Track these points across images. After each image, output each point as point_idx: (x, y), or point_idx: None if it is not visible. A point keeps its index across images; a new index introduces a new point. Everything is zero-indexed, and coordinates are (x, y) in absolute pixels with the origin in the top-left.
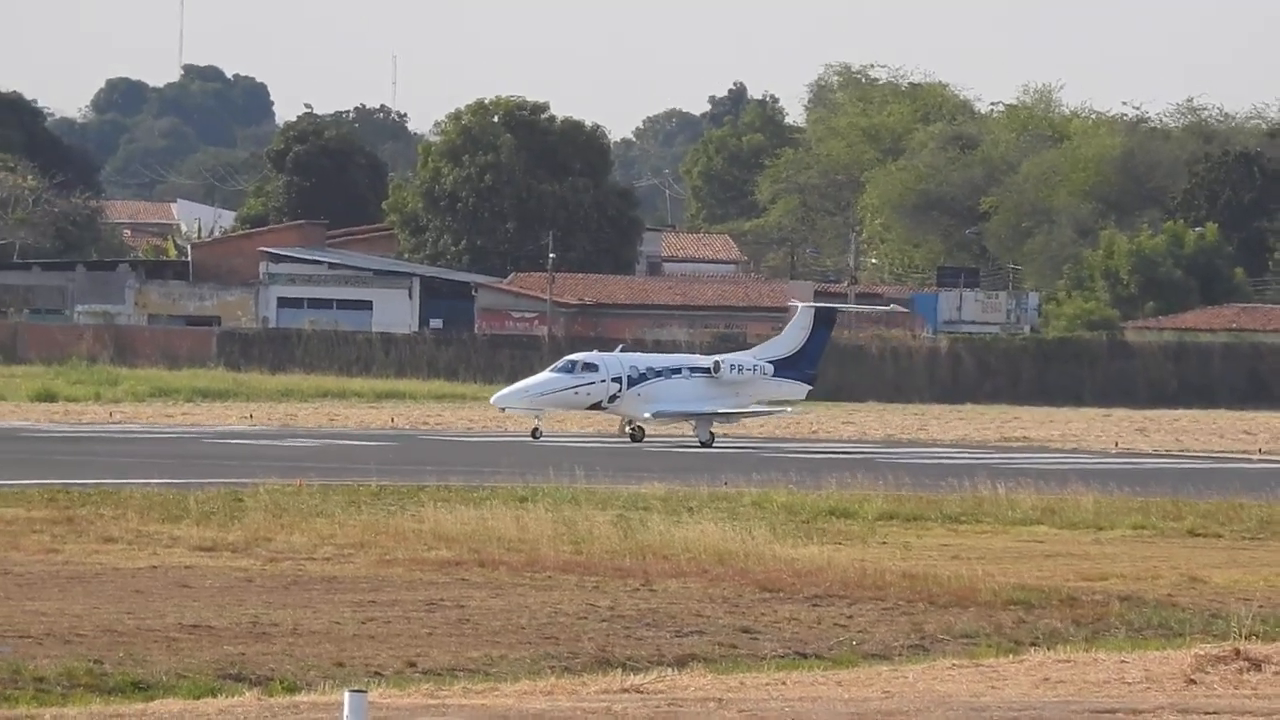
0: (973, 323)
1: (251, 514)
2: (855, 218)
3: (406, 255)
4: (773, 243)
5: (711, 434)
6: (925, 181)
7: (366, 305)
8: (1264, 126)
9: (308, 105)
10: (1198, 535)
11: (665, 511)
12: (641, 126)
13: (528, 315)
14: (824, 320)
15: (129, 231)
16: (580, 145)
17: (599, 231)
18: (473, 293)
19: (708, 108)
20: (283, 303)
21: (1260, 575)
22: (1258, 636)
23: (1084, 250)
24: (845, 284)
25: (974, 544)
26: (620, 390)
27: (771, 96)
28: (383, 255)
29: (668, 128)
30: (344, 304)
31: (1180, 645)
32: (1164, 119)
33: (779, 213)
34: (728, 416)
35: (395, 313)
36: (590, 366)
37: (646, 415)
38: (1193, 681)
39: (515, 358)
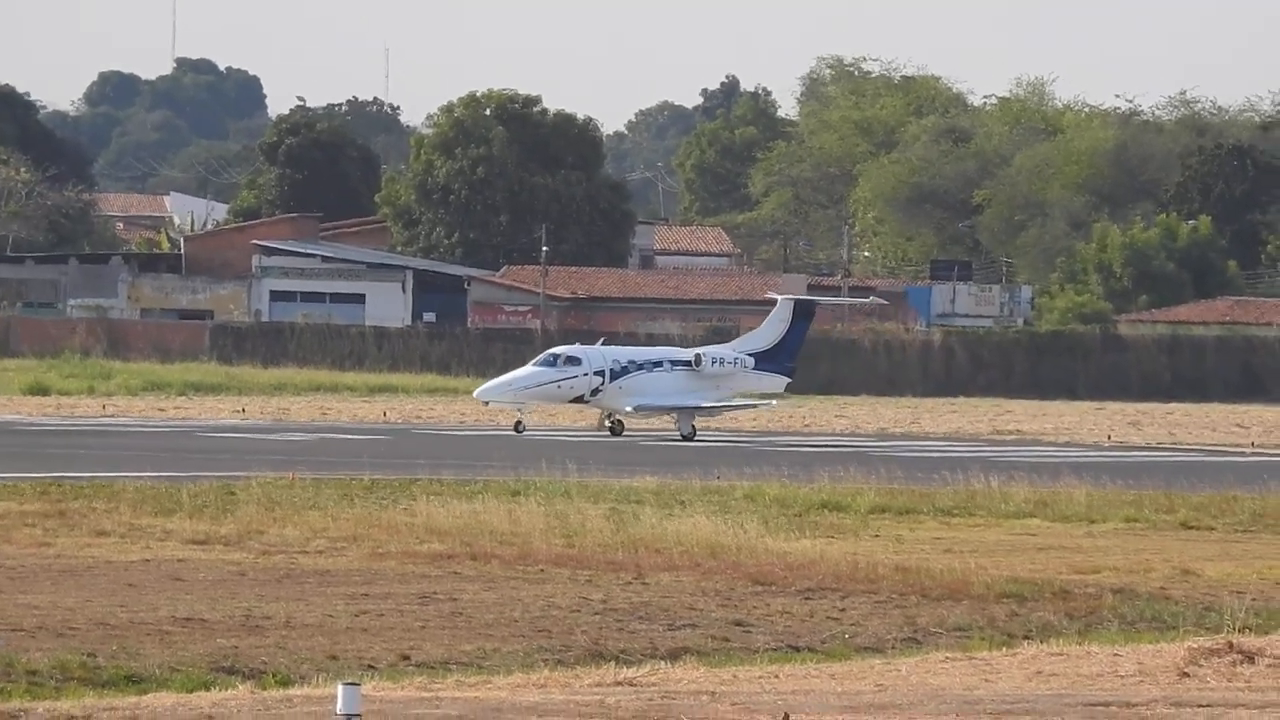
0: (966, 316)
1: (244, 507)
2: (848, 211)
3: (399, 248)
4: (765, 236)
5: (693, 427)
6: (918, 174)
7: (359, 298)
8: (1257, 119)
9: (300, 98)
10: (1191, 528)
11: (657, 505)
12: (634, 119)
13: (520, 309)
14: (803, 313)
15: (122, 225)
16: (573, 138)
17: (591, 225)
18: (465, 286)
19: (700, 101)
20: (275, 296)
21: (1253, 568)
22: (1251, 629)
23: (1077, 243)
24: (838, 277)
25: (966, 537)
26: (602, 384)
27: (764, 89)
28: (375, 248)
29: (660, 121)
30: (337, 297)
31: (1173, 638)
32: (1157, 112)
33: (772, 206)
34: (710, 410)
35: (388, 306)
36: (572, 360)
37: (628, 408)
38: (1186, 674)
39: (508, 351)
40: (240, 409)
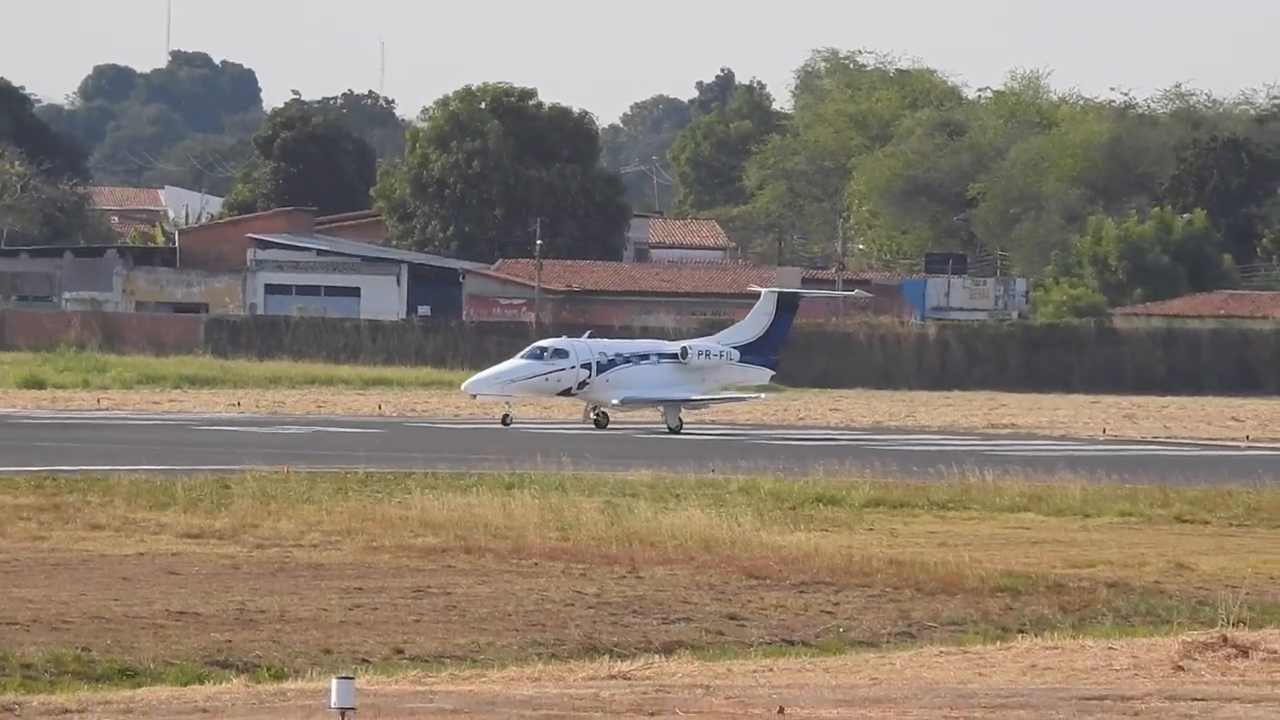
0: (961, 309)
1: (239, 501)
2: (843, 204)
3: (394, 242)
4: (760, 229)
5: (680, 420)
6: (913, 168)
7: (354, 292)
8: (1252, 112)
9: (295, 91)
10: (1185, 522)
11: (652, 498)
12: (629, 113)
13: (515, 302)
14: (787, 306)
15: (117, 218)
16: (568, 132)
17: (586, 218)
18: (460, 279)
19: (695, 94)
20: (270, 289)
21: (1248, 562)
22: (1245, 623)
23: (1072, 236)
24: (833, 270)
25: (961, 531)
26: (590, 376)
27: (759, 83)
28: (370, 242)
29: (655, 114)
30: (332, 291)
31: (1168, 632)
32: (1152, 105)
33: (766, 199)
34: (697, 403)
35: (383, 299)
36: (560, 353)
37: (615, 401)
38: (1180, 668)
39: (503, 344)
40: (235, 402)
